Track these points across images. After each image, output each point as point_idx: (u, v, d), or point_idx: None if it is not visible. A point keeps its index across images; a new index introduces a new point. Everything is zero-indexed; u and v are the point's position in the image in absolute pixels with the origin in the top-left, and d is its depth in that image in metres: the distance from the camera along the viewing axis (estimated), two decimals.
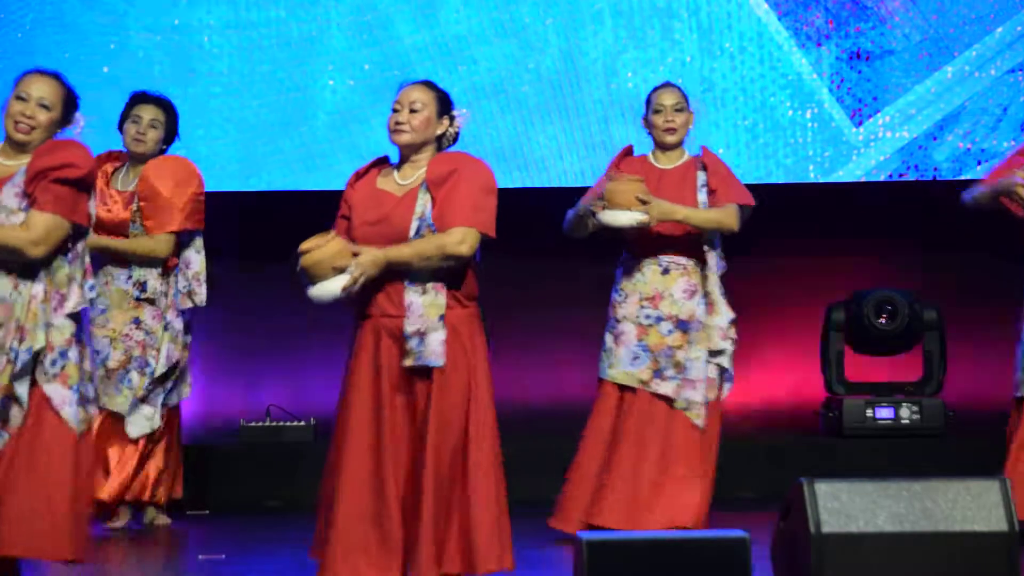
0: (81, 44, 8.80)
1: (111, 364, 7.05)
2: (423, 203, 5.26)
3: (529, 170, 8.99)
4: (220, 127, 8.83)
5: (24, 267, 5.13)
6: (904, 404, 8.52)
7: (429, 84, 5.52)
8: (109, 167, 7.26)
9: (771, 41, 8.96)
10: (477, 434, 5.25)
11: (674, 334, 6.62)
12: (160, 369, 7.07)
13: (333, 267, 5.09)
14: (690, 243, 6.63)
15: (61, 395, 5.14)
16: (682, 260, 6.65)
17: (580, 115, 9.01)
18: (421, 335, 5.20)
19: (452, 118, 5.49)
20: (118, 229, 7.07)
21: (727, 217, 6.59)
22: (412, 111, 5.40)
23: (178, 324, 7.12)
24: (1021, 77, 8.89)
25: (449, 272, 5.24)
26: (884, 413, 8.51)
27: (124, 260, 7.07)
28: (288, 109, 8.90)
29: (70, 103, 5.35)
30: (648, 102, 6.83)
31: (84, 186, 5.19)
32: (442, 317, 5.20)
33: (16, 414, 5.10)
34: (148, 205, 7.05)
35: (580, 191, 9.00)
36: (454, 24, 8.97)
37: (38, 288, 5.13)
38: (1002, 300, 7.91)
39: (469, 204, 5.24)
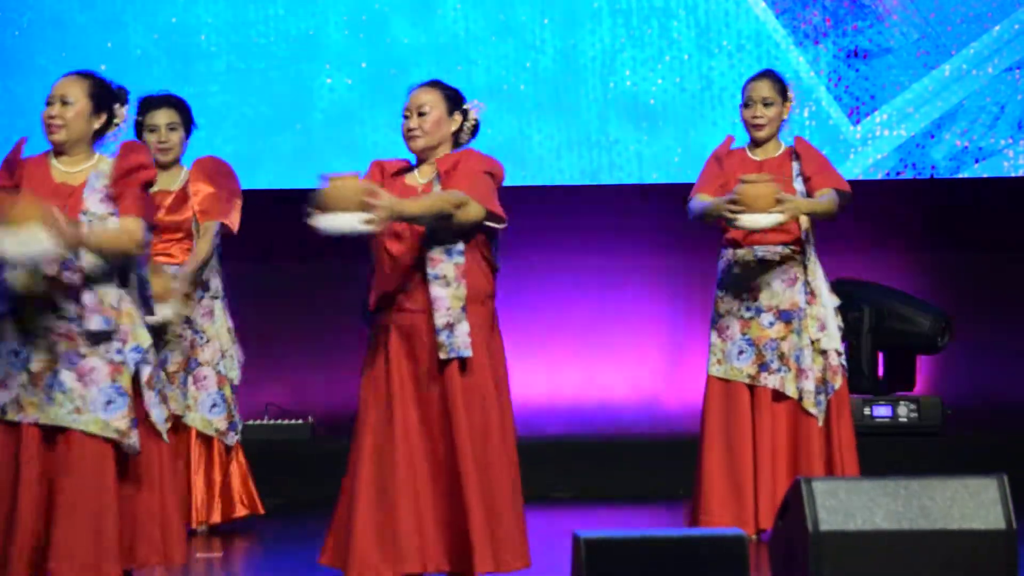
0: (78, 43, 8.79)
1: (170, 368, 7.02)
2: None
3: (527, 168, 8.98)
4: (217, 125, 8.81)
5: (108, 272, 5.13)
6: (902, 402, 8.51)
7: (435, 84, 5.53)
8: None
9: (769, 39, 8.96)
10: (501, 428, 5.28)
11: (776, 325, 6.54)
12: (236, 372, 7.11)
13: (357, 202, 5.01)
14: (788, 233, 6.55)
15: (149, 397, 5.16)
16: (779, 249, 6.53)
17: (578, 114, 9.01)
18: (451, 327, 5.21)
19: (465, 112, 5.49)
20: (181, 227, 7.04)
21: (832, 205, 6.51)
22: (421, 115, 5.39)
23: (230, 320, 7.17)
24: (1019, 75, 8.89)
25: (467, 271, 5.24)
26: (881, 411, 8.50)
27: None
28: (285, 107, 8.90)
29: (99, 95, 5.34)
30: (742, 92, 6.71)
31: (151, 187, 5.25)
32: (464, 308, 5.21)
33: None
34: (198, 198, 7.05)
35: (579, 189, 9.04)
36: (452, 23, 8.97)
37: (128, 291, 5.16)
38: (1000, 298, 7.93)
39: (470, 176, 5.28)
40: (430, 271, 5.25)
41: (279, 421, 8.59)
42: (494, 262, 5.41)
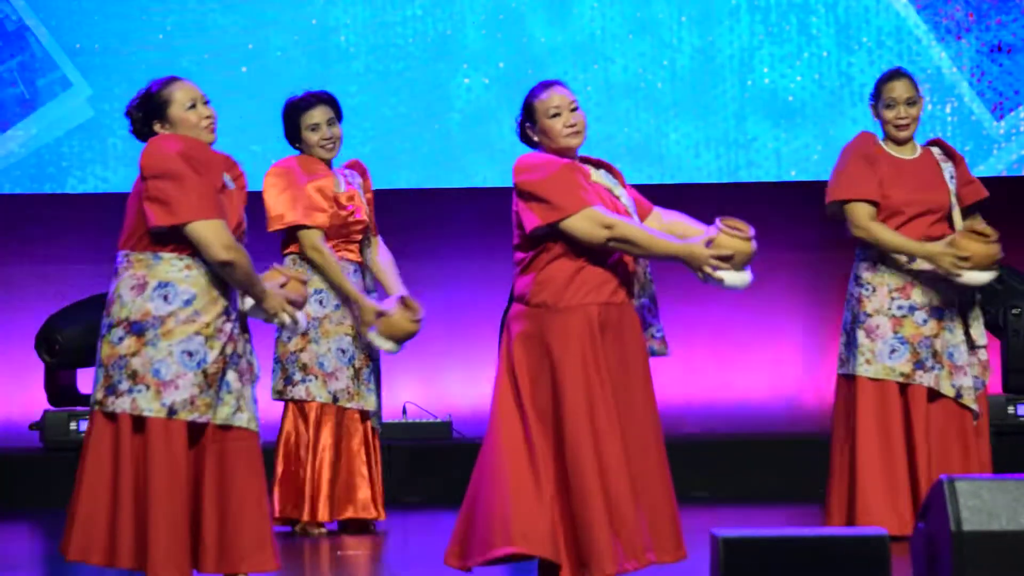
0: (220, 45, 8.90)
1: (357, 364, 7.08)
2: (627, 203, 5.40)
3: (665, 167, 8.96)
4: (356, 125, 8.88)
5: None
6: None
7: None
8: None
9: (910, 35, 8.86)
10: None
11: (929, 323, 6.48)
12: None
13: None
14: (941, 232, 6.44)
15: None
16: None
17: (715, 111, 8.97)
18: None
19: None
20: (365, 229, 7.10)
21: None
22: (573, 110, 5.36)
23: None
24: None
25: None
26: None
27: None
28: (423, 107, 8.94)
29: None
30: (877, 92, 6.59)
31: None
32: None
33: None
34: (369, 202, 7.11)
35: (716, 187, 8.99)
36: (588, 22, 8.97)
37: None
38: None
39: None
40: (639, 267, 5.39)
41: (418, 420, 8.64)
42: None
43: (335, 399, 6.93)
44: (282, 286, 5.26)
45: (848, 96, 8.88)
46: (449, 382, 9.22)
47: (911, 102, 6.49)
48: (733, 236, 5.42)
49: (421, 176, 8.92)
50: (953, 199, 6.46)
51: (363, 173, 7.14)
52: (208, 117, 5.27)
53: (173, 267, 5.10)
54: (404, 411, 8.76)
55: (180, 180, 5.08)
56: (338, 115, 7.04)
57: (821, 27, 8.92)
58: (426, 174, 8.92)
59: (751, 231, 5.38)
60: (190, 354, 5.06)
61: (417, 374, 9.03)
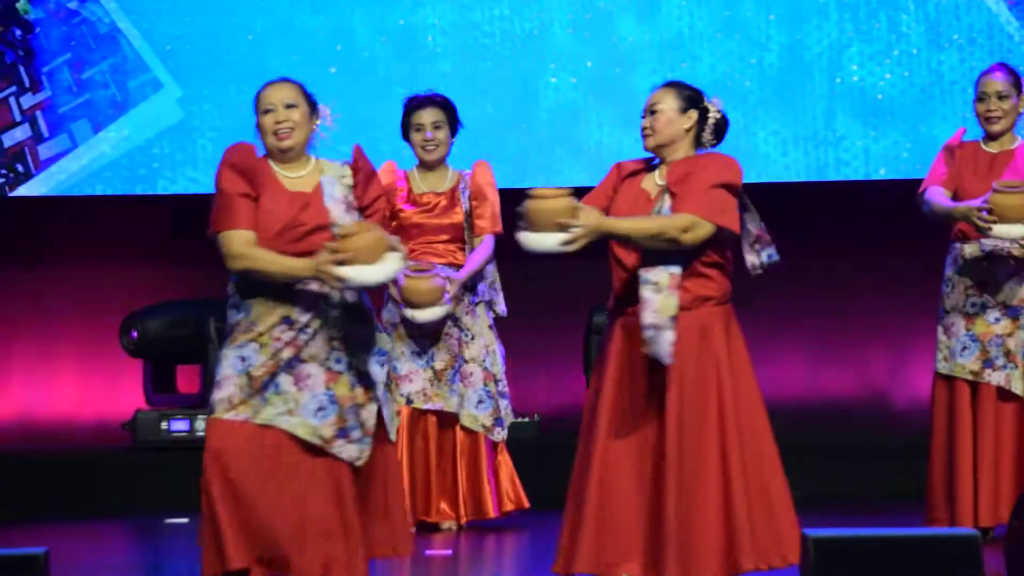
0: (309, 46, 8.95)
1: (437, 366, 7.12)
2: (663, 205, 5.21)
3: (753, 166, 8.92)
4: None
5: None
6: None
7: (672, 84, 5.43)
8: (400, 175, 7.27)
9: (1001, 32, 8.78)
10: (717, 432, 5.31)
11: (1003, 321, 6.42)
12: (496, 367, 7.19)
13: (556, 222, 5.03)
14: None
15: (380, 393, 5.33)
16: (1008, 244, 6.35)
17: (804, 110, 8.92)
18: (656, 330, 5.14)
19: (703, 110, 5.37)
20: (450, 231, 7.14)
21: None
22: (652, 112, 5.32)
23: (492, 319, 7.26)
24: None
25: (690, 277, 5.20)
26: None
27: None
28: (511, 107, 8.96)
29: (310, 97, 5.37)
30: (975, 86, 6.54)
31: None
32: (675, 317, 5.14)
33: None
34: (479, 205, 7.13)
35: (805, 186, 8.94)
36: (676, 20, 8.95)
37: None
38: None
39: (700, 192, 5.16)
40: (643, 274, 5.19)
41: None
42: (728, 266, 5.32)
43: (408, 401, 7.01)
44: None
45: (938, 94, 8.81)
46: (537, 382, 9.23)
47: (1001, 96, 6.42)
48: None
49: (509, 176, 8.91)
50: None
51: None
52: (279, 123, 5.23)
53: (236, 279, 5.23)
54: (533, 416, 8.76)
55: (218, 191, 5.22)
56: (450, 120, 7.16)
57: (911, 24, 8.85)
58: (513, 174, 8.92)
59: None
60: (242, 359, 5.17)
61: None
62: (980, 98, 6.48)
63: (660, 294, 5.13)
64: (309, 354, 5.17)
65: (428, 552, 6.66)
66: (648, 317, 5.12)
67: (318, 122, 5.34)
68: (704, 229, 5.12)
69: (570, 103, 8.94)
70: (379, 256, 5.02)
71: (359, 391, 5.20)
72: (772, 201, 9.37)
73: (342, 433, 5.16)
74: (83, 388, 9.39)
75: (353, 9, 8.98)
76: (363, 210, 5.23)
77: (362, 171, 5.27)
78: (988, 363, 6.37)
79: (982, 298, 6.40)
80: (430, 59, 8.96)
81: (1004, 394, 6.38)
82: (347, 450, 5.16)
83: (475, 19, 8.97)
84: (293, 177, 5.24)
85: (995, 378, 6.36)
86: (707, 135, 5.34)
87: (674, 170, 5.25)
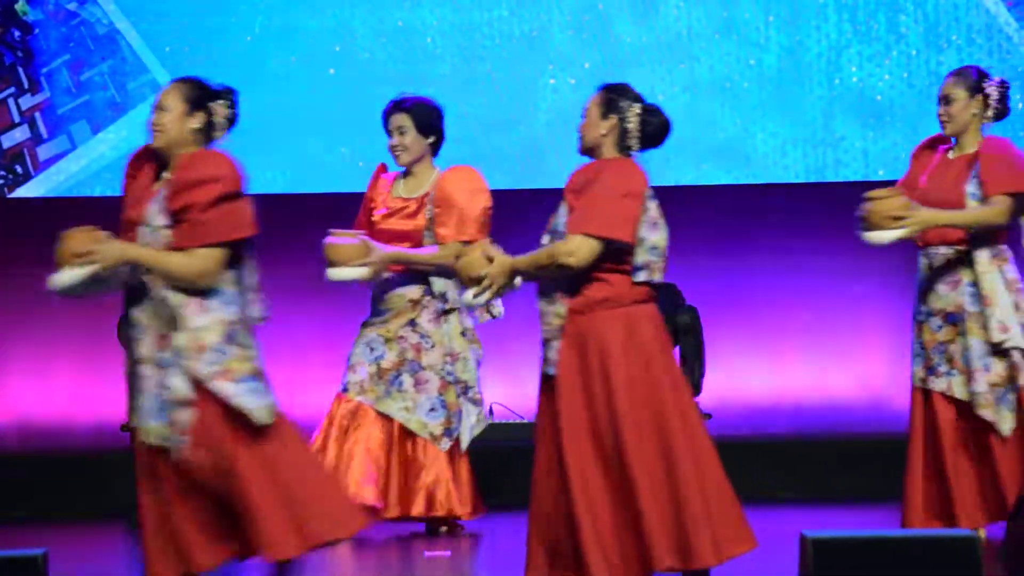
0: (308, 48, 8.95)
1: (384, 364, 7.12)
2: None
3: (751, 167, 8.93)
4: None
5: None
6: None
7: (602, 89, 5.46)
8: (383, 178, 7.28)
9: (1000, 33, 8.79)
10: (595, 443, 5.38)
11: (944, 329, 6.44)
12: (467, 374, 7.15)
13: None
14: (953, 235, 6.40)
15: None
16: (944, 251, 6.43)
17: (803, 111, 8.93)
18: (547, 343, 5.33)
19: (622, 112, 5.37)
20: (411, 237, 7.14)
21: (985, 214, 6.35)
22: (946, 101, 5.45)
23: (470, 324, 7.19)
24: None
25: (583, 283, 5.25)
26: None
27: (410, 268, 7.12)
28: (509, 108, 8.96)
29: (193, 98, 5.39)
30: None
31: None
32: (563, 327, 5.25)
33: None
34: (442, 213, 7.06)
35: (803, 187, 8.95)
36: (674, 21, 8.95)
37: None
38: None
39: (584, 211, 5.22)
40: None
41: (503, 421, 8.64)
42: (629, 268, 5.27)
43: (344, 389, 7.07)
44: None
45: (937, 95, 8.80)
46: (535, 383, 9.22)
47: (948, 99, 6.47)
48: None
49: (507, 177, 8.92)
50: (969, 199, 6.38)
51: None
52: (152, 123, 5.36)
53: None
54: (491, 412, 8.77)
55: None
56: (418, 124, 7.11)
57: (910, 25, 8.85)
58: (512, 175, 8.93)
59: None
60: None
61: (503, 375, 9.04)
62: (937, 102, 6.56)
63: (553, 305, 5.28)
64: (140, 356, 5.22)
65: (427, 554, 6.66)
66: (544, 333, 5.31)
67: (197, 120, 5.35)
68: (584, 251, 5.17)
69: (568, 104, 8.93)
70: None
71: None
72: (771, 202, 9.41)
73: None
74: (82, 389, 9.39)
75: (352, 10, 8.98)
76: (172, 216, 5.21)
77: (176, 180, 5.23)
78: (932, 370, 6.44)
79: (927, 306, 6.47)
80: (429, 60, 8.96)
81: (953, 399, 6.42)
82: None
83: (474, 20, 8.98)
84: (166, 177, 5.30)
85: (937, 385, 6.42)
86: (630, 139, 5.33)
87: (576, 178, 5.34)
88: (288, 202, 8.83)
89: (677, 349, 8.55)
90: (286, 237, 8.00)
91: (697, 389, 8.52)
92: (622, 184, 5.23)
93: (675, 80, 8.91)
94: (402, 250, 7.04)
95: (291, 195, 8.95)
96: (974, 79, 6.47)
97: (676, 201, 7.65)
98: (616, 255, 5.22)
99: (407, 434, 7.06)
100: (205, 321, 5.12)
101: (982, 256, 6.37)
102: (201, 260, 5.11)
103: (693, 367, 8.50)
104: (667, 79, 8.90)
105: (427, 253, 7.04)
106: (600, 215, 5.17)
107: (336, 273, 6.80)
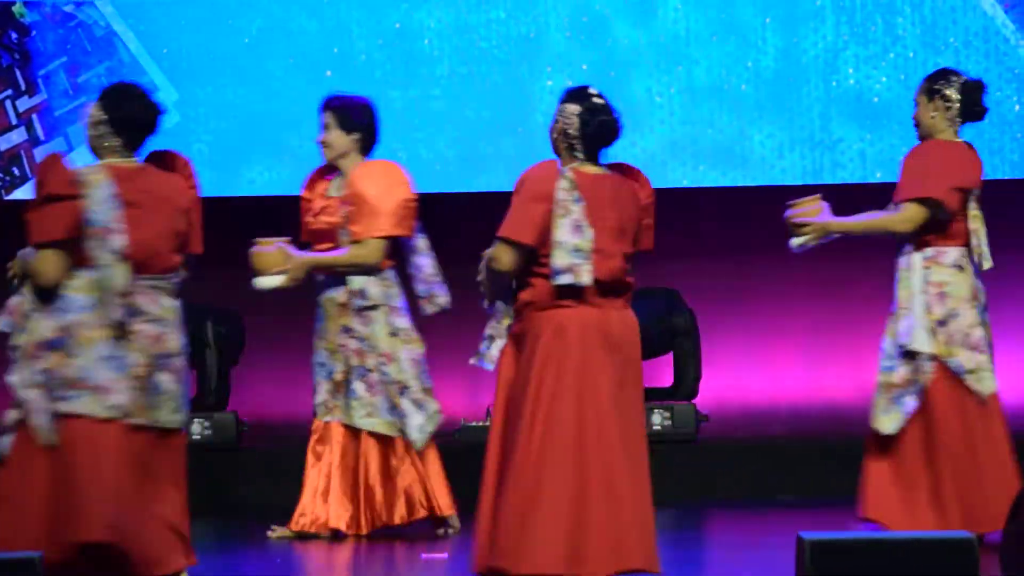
0: (305, 49, 8.95)
1: (336, 377, 7.12)
2: None
3: (748, 169, 8.93)
4: (439, 129, 8.92)
5: None
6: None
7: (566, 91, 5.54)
8: (321, 177, 7.26)
9: (997, 35, 8.79)
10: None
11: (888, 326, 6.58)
12: (403, 374, 7.11)
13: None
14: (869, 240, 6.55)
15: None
16: (904, 252, 6.53)
17: (800, 113, 8.93)
18: (490, 339, 5.49)
19: (562, 113, 5.48)
20: (331, 236, 7.09)
21: (879, 221, 6.43)
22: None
23: (404, 323, 7.11)
24: None
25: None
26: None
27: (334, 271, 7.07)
28: (507, 110, 8.96)
29: (103, 104, 5.63)
30: None
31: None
32: (509, 326, 5.41)
33: None
34: (354, 210, 6.97)
35: (801, 189, 8.94)
36: (672, 23, 8.95)
37: None
38: None
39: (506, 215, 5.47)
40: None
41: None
42: (547, 272, 5.31)
43: (314, 413, 7.13)
44: None
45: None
46: None
47: (915, 105, 6.51)
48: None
49: (504, 179, 8.92)
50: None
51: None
52: None
53: None
54: (488, 414, 8.77)
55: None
56: (341, 121, 7.08)
57: (907, 27, 8.86)
58: (509, 177, 8.89)
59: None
60: None
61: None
62: None
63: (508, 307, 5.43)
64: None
65: (424, 556, 6.66)
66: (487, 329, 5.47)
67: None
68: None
69: None
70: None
71: None
72: (768, 204, 9.41)
73: None
74: None
75: (349, 12, 8.98)
76: None
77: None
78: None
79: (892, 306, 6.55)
80: (426, 62, 8.96)
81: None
82: None
83: (471, 22, 8.98)
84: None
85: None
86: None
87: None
88: (287, 203, 8.82)
89: (671, 352, 8.57)
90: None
91: (693, 392, 8.52)
92: (531, 188, 5.41)
93: (672, 82, 8.91)
94: (318, 255, 7.02)
95: (290, 197, 8.95)
96: (928, 82, 6.48)
97: (673, 203, 7.66)
98: (533, 259, 5.30)
99: (377, 440, 7.04)
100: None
101: (914, 259, 6.42)
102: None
103: (688, 370, 8.51)
104: (664, 81, 8.90)
105: (341, 255, 6.99)
106: (507, 219, 5.38)
107: (258, 281, 6.87)
